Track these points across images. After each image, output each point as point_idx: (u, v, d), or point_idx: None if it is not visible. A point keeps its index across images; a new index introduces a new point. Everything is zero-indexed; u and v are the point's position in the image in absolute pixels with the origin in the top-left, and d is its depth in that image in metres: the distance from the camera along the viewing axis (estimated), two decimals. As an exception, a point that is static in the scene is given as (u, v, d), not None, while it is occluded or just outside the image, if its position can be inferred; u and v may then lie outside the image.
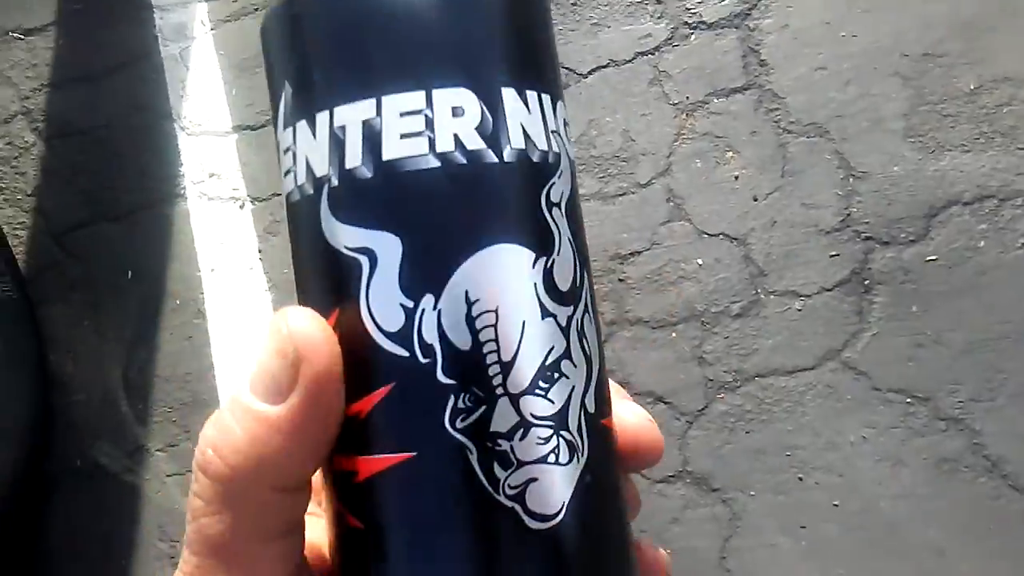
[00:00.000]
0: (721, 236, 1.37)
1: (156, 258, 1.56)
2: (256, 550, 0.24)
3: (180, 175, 1.60)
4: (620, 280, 1.38)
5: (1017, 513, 1.19)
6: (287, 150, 0.26)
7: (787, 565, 1.25)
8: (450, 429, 0.24)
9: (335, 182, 0.25)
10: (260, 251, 1.53)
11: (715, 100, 1.42)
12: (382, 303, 0.24)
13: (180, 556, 0.25)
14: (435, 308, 0.24)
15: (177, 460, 1.48)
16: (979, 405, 1.23)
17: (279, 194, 1.55)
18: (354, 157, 0.24)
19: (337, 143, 0.25)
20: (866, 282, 1.30)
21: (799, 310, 1.32)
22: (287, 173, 0.26)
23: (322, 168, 0.25)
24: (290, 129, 0.26)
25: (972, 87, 1.33)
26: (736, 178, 1.39)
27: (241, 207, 1.55)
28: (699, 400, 1.32)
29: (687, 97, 1.44)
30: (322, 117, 0.25)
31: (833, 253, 1.33)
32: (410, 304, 0.24)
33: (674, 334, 1.35)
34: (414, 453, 0.24)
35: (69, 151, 1.67)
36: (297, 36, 0.26)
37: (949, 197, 1.30)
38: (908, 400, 1.25)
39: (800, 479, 1.27)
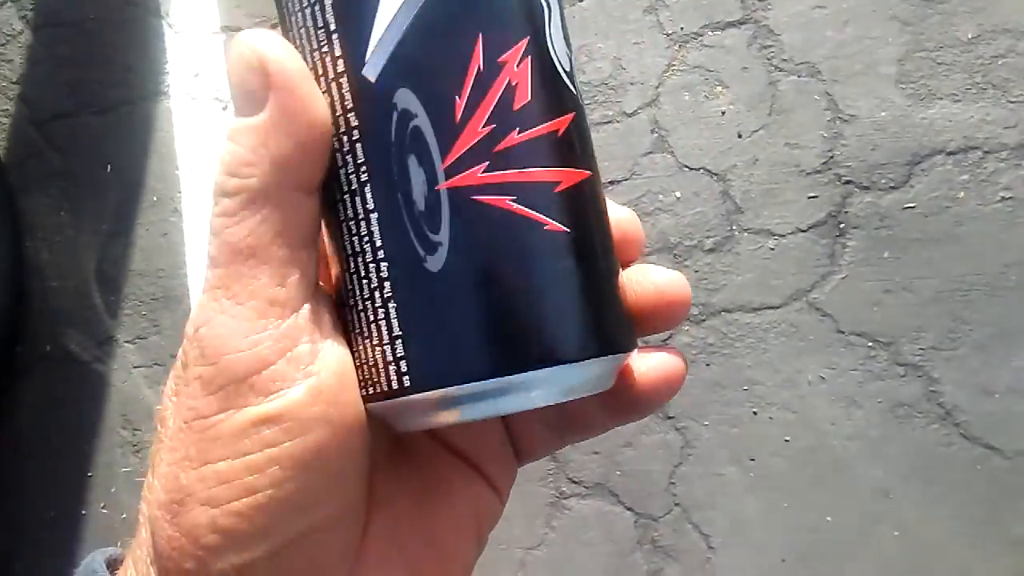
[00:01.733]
0: (702, 170, 1.36)
1: (136, 154, 1.55)
2: (281, 254, 0.25)
3: (165, 73, 1.58)
4: (597, 207, 1.37)
5: (966, 461, 1.21)
6: None
7: (733, 495, 1.27)
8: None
9: None
10: (240, 154, 1.52)
11: (710, 33, 1.40)
12: (559, 45, 0.28)
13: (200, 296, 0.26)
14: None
15: (144, 352, 1.50)
16: (940, 353, 1.24)
17: (263, 98, 1.54)
18: None
19: None
20: (841, 225, 1.30)
21: (772, 249, 1.31)
22: None
23: None
24: None
25: (970, 36, 1.31)
26: (723, 113, 1.38)
27: (224, 108, 1.54)
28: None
29: (682, 28, 1.41)
30: None
31: (812, 195, 1.32)
32: (568, 53, 0.28)
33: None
34: (591, 172, 0.28)
35: (56, 42, 1.65)
36: None
37: (934, 146, 1.29)
38: (870, 344, 1.26)
39: (755, 413, 1.28)
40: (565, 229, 0.27)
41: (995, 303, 1.23)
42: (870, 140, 1.31)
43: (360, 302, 0.27)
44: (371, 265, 0.26)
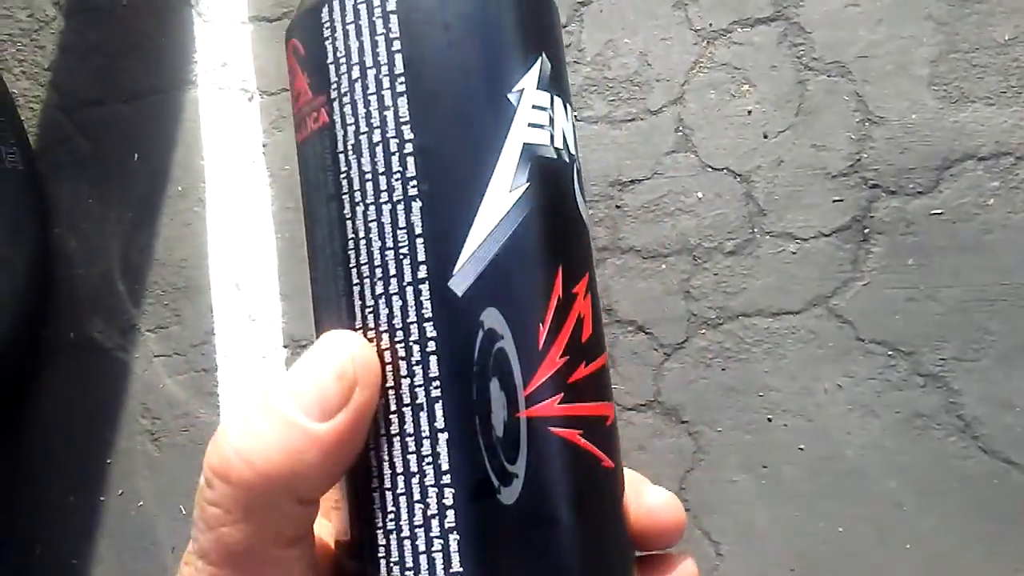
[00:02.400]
0: (725, 171, 1.34)
1: (163, 143, 1.57)
2: (278, 556, 0.24)
3: (193, 62, 1.59)
4: (617, 207, 1.36)
5: (983, 475, 1.19)
6: (541, 108, 0.28)
7: (744, 502, 1.26)
8: None
9: (579, 165, 0.29)
10: (264, 145, 1.53)
11: (739, 29, 1.37)
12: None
13: (184, 562, 0.24)
14: None
15: (165, 342, 1.53)
16: (962, 364, 1.21)
17: (287, 89, 1.54)
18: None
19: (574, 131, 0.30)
20: (866, 231, 1.27)
21: (793, 253, 1.29)
22: (538, 127, 0.27)
23: (573, 148, 0.29)
24: (548, 95, 0.28)
25: (1007, 38, 1.27)
26: (749, 113, 1.35)
27: (250, 99, 1.55)
28: (679, 333, 1.31)
29: (710, 24, 1.39)
30: (568, 106, 0.29)
31: (837, 198, 1.29)
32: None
33: (664, 266, 1.34)
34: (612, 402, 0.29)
35: (88, 28, 1.67)
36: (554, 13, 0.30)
37: (965, 151, 1.25)
38: (890, 353, 1.24)
39: (769, 420, 1.27)
40: (613, 465, 0.27)
41: (1020, 314, 1.20)
42: (899, 143, 1.28)
43: (407, 529, 0.25)
44: (431, 489, 0.24)
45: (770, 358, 1.28)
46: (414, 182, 0.25)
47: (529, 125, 0.27)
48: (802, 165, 1.31)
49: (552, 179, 0.27)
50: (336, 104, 0.26)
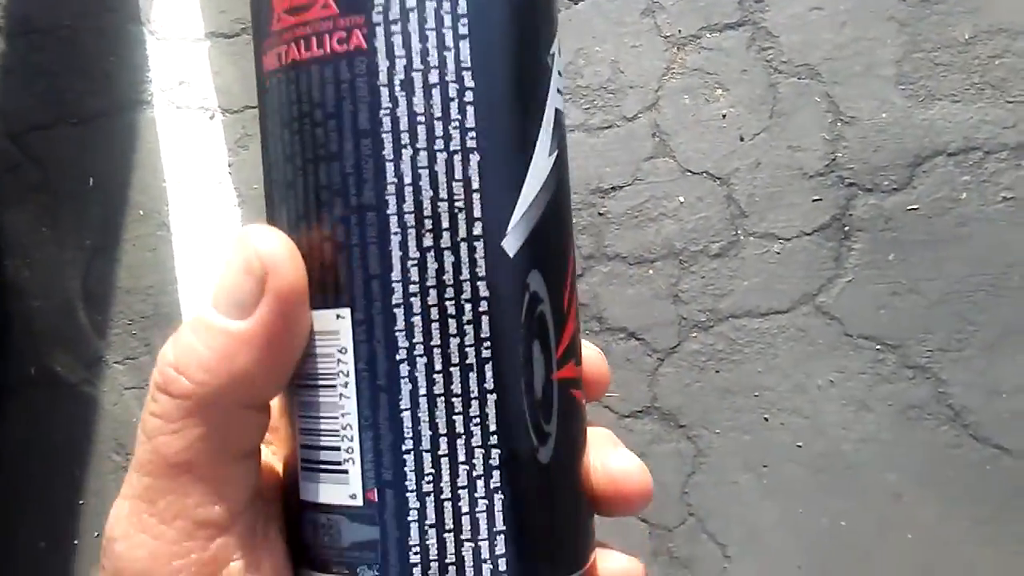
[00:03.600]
0: (704, 175, 1.35)
1: (120, 166, 1.50)
2: (219, 471, 0.23)
3: (147, 81, 1.53)
4: (600, 214, 1.36)
5: (976, 462, 1.21)
6: (560, 75, 0.27)
7: (748, 502, 1.26)
8: None
9: None
10: (230, 164, 1.48)
11: (708, 35, 1.39)
12: None
13: (121, 490, 0.23)
14: None
15: (136, 373, 1.45)
16: (947, 355, 1.24)
17: (251, 107, 1.49)
18: None
19: None
20: (846, 228, 1.29)
21: (777, 253, 1.31)
22: (561, 94, 0.27)
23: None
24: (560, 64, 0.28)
25: (967, 37, 1.31)
26: (724, 116, 1.36)
27: (211, 118, 1.49)
28: (672, 338, 1.31)
29: (679, 31, 1.40)
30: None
31: (816, 198, 1.31)
32: None
33: (651, 271, 1.33)
34: None
35: (29, 50, 1.59)
36: None
37: (935, 147, 1.29)
38: (878, 347, 1.26)
39: (766, 419, 1.27)
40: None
41: (1000, 303, 1.24)
42: (872, 142, 1.31)
43: (448, 490, 0.24)
44: (478, 451, 0.24)
45: (762, 358, 1.28)
46: (472, 133, 0.24)
47: (557, 91, 0.27)
48: (779, 166, 1.33)
49: (565, 145, 0.28)
50: (380, 30, 0.23)
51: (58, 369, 1.46)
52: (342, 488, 0.24)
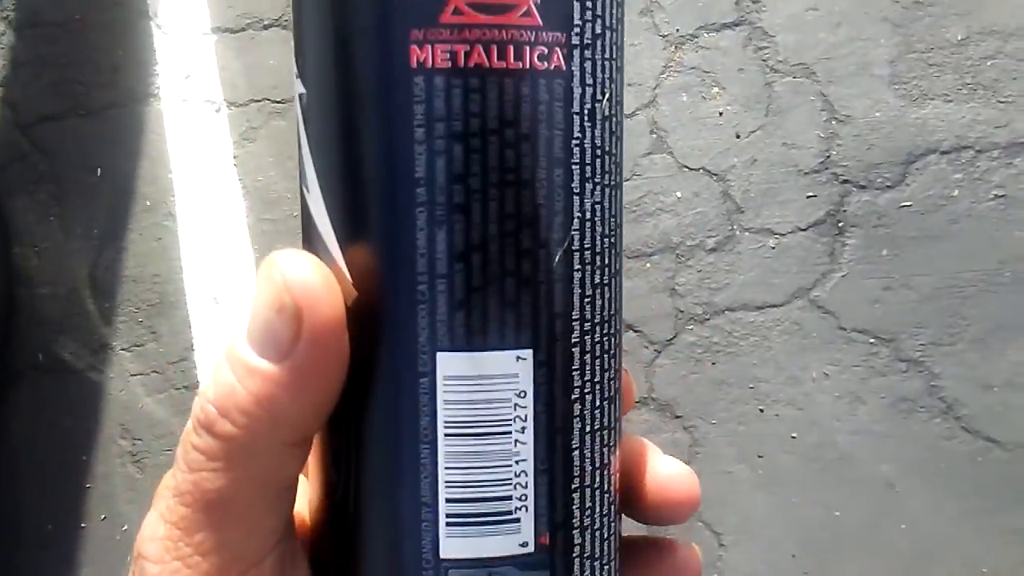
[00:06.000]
0: (701, 171, 1.37)
1: (127, 157, 1.52)
2: (258, 508, 0.23)
3: (154, 75, 1.55)
4: (598, 208, 1.38)
5: (968, 454, 1.23)
6: None
7: (743, 492, 1.28)
8: None
9: None
10: (235, 157, 1.50)
11: (705, 34, 1.41)
12: None
13: (159, 495, 0.23)
14: None
15: (142, 360, 1.47)
16: (940, 349, 1.26)
17: (256, 100, 1.51)
18: None
19: None
20: (840, 224, 1.32)
21: (773, 248, 1.33)
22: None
23: None
24: None
25: (960, 38, 1.33)
26: (720, 114, 1.39)
27: (217, 111, 1.51)
28: (668, 330, 1.33)
29: (677, 29, 1.42)
30: None
31: (810, 194, 1.33)
32: None
33: (648, 265, 1.35)
34: None
35: (40, 43, 1.61)
36: None
37: (928, 145, 1.31)
38: (872, 340, 1.28)
39: (761, 411, 1.29)
40: None
41: (991, 299, 1.26)
42: (865, 140, 1.33)
43: (598, 520, 0.24)
44: (611, 478, 0.25)
45: (758, 350, 1.30)
46: (618, 168, 0.24)
47: None
48: (775, 163, 1.35)
49: None
50: (578, 53, 0.22)
51: (65, 356, 1.48)
52: (512, 538, 0.23)
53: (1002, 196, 1.28)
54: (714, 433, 1.30)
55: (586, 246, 0.23)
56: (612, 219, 0.24)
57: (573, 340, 0.23)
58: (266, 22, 1.53)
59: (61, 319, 1.49)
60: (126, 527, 1.42)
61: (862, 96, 1.34)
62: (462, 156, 0.21)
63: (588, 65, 0.23)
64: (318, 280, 0.22)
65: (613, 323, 0.24)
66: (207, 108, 1.52)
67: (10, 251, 1.50)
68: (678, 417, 1.31)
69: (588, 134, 0.23)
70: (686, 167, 1.37)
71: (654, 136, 1.39)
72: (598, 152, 0.23)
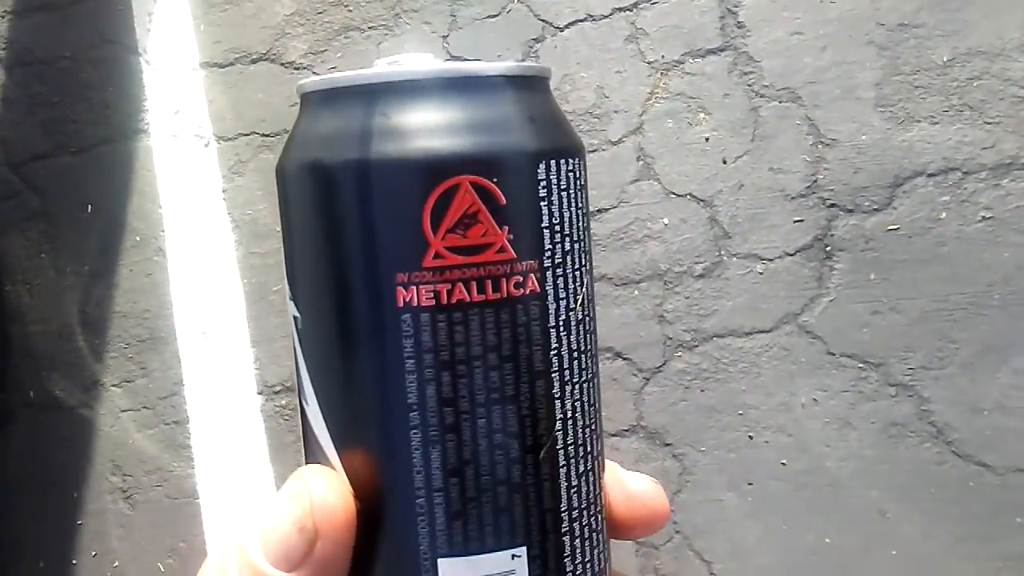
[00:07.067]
0: (688, 197, 1.37)
1: (117, 193, 1.53)
2: None
3: (144, 110, 1.56)
4: (586, 236, 1.38)
5: (959, 478, 1.22)
6: None
7: (733, 520, 1.27)
8: None
9: None
10: (224, 191, 1.51)
11: (690, 60, 1.42)
12: None
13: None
14: None
15: (132, 396, 1.47)
16: (929, 373, 1.26)
17: (245, 134, 1.53)
18: None
19: None
20: (828, 248, 1.32)
21: (760, 273, 1.33)
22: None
23: None
24: None
25: (945, 59, 1.33)
26: (707, 140, 1.39)
27: (206, 145, 1.53)
28: (657, 357, 1.33)
29: (663, 56, 1.43)
30: None
31: (797, 218, 1.33)
32: None
33: (637, 292, 1.35)
34: None
35: (30, 81, 1.63)
36: None
37: (915, 168, 1.31)
38: (860, 365, 1.27)
39: (750, 437, 1.29)
40: None
41: (980, 321, 1.26)
42: (852, 163, 1.33)
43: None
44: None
45: (747, 376, 1.30)
46: (594, 360, 0.26)
47: None
48: (762, 188, 1.35)
49: None
50: (550, 275, 0.25)
51: (57, 392, 1.49)
52: None
53: (990, 218, 1.28)
54: (704, 460, 1.29)
55: (569, 442, 0.25)
56: (592, 408, 0.26)
57: (563, 530, 0.25)
58: (254, 56, 1.55)
59: (53, 356, 1.50)
60: (116, 563, 1.42)
61: (848, 120, 1.34)
62: (450, 382, 0.23)
63: (561, 281, 0.25)
64: (340, 508, 0.24)
65: (598, 502, 0.26)
66: (196, 143, 1.54)
67: (2, 289, 1.51)
68: (667, 445, 1.31)
69: (565, 342, 0.25)
70: (673, 193, 1.38)
71: (641, 163, 1.39)
72: (575, 355, 0.25)
